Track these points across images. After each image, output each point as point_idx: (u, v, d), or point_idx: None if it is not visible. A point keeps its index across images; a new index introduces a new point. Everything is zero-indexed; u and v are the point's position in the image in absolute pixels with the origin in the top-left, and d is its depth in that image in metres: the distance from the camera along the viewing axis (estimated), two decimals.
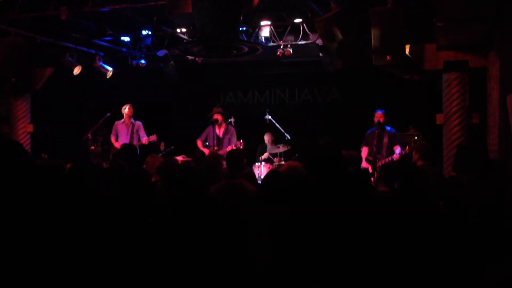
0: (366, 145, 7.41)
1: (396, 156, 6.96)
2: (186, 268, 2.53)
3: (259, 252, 2.54)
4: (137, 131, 8.25)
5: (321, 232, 2.53)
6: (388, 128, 7.35)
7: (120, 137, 8.24)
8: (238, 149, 7.46)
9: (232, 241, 2.59)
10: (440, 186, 3.54)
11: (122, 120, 8.33)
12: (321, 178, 3.11)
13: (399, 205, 2.83)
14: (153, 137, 8.10)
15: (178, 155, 8.18)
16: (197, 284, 2.51)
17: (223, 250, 2.56)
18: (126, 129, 8.29)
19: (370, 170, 6.96)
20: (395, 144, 7.21)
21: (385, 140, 7.24)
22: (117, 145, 8.11)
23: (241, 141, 7.92)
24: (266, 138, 9.21)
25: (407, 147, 6.81)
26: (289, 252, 2.49)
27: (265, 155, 9.03)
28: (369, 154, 7.34)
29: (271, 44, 8.57)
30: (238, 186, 4.02)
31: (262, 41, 8.44)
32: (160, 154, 8.56)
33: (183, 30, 8.23)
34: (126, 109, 8.28)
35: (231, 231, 2.65)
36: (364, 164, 7.11)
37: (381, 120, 7.27)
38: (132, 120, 8.31)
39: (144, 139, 8.11)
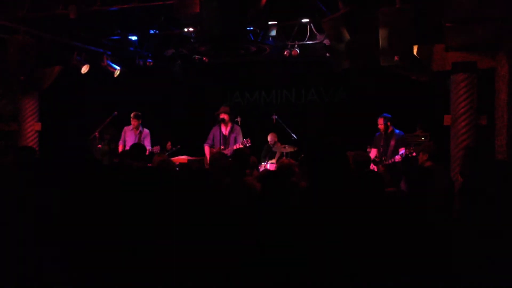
0: (374, 147, 7.44)
1: (398, 157, 6.95)
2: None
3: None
4: (144, 139, 8.32)
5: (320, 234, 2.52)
6: (397, 131, 7.36)
7: (128, 143, 8.26)
8: (244, 148, 7.47)
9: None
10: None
11: (131, 126, 8.44)
12: (324, 178, 3.07)
13: (409, 206, 2.82)
14: (156, 148, 8.19)
15: (184, 154, 8.22)
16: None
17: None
18: (134, 136, 8.40)
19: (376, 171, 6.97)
20: (401, 147, 7.21)
21: (392, 142, 7.25)
22: None
23: (248, 139, 7.92)
24: (269, 138, 9.18)
25: (411, 147, 6.79)
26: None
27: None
28: (376, 155, 7.37)
29: (278, 44, 8.56)
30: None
31: (269, 41, 8.44)
32: (167, 154, 8.59)
33: (191, 29, 8.24)
34: (133, 120, 8.37)
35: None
36: (370, 166, 7.11)
37: (381, 127, 7.29)
38: (141, 127, 8.40)
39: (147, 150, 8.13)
